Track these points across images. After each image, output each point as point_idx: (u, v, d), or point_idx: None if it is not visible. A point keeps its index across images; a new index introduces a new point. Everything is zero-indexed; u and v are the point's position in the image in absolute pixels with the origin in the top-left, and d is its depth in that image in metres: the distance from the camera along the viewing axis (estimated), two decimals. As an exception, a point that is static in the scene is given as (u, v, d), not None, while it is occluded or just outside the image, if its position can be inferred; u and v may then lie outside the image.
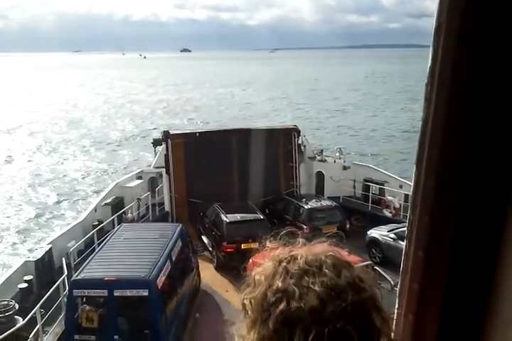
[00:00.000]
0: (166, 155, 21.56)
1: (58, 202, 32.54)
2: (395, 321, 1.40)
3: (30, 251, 15.46)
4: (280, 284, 1.21)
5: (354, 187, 22.65)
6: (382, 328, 1.22)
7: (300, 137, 23.29)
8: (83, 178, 38.03)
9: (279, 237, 1.42)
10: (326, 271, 1.21)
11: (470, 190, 1.21)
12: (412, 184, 1.32)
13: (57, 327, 12.62)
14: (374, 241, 17.79)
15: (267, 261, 1.31)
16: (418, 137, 1.28)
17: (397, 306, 1.41)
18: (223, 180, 21.81)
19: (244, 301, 1.28)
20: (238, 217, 18.33)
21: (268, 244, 1.40)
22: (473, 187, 1.21)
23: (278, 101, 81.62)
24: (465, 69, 1.16)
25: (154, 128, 52.63)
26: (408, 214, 1.34)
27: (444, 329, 1.30)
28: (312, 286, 1.18)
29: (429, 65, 1.22)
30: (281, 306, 1.17)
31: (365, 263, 13.67)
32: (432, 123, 1.23)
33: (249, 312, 1.26)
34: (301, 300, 1.16)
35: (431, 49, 1.21)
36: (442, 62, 1.19)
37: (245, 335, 1.26)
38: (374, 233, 18.01)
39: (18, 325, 11.93)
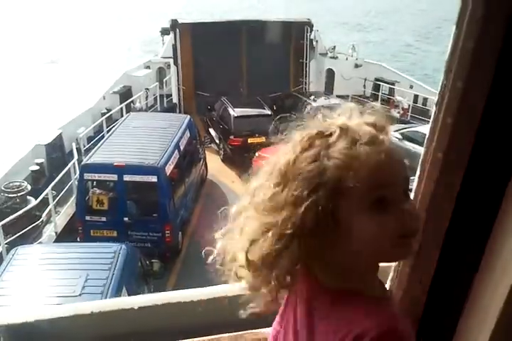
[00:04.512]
0: (174, 46, 20.98)
1: (64, 88, 32.16)
2: None
3: (40, 135, 15.61)
4: None
5: (364, 86, 22.26)
6: None
7: (313, 32, 22.46)
8: (90, 64, 37.30)
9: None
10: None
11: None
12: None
13: (69, 208, 13.13)
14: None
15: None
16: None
17: None
18: (232, 73, 21.42)
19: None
20: (246, 111, 18.32)
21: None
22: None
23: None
24: None
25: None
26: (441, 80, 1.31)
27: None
28: None
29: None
30: None
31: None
32: None
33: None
34: None
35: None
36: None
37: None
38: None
39: (31, 205, 12.45)
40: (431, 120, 1.30)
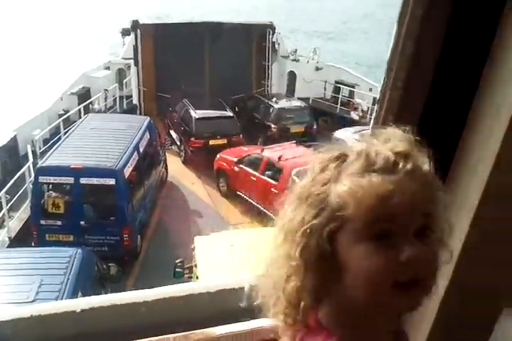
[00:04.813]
0: (135, 46, 20.73)
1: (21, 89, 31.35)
2: None
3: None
4: None
5: (325, 88, 22.48)
6: None
7: (275, 35, 22.55)
8: (47, 66, 36.49)
9: None
10: None
11: None
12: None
13: (23, 213, 12.78)
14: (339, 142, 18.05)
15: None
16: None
17: None
18: (194, 75, 21.30)
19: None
20: (207, 113, 18.24)
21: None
22: None
23: None
24: None
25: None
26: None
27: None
28: None
29: None
30: None
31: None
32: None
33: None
34: None
35: None
36: None
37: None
38: (340, 134, 18.23)
39: (-17, 209, 12.07)
40: (373, 117, 1.29)
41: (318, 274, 0.98)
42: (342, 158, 1.01)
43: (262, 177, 14.70)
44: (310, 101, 21.47)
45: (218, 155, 16.35)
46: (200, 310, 1.75)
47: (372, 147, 1.00)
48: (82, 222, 11.53)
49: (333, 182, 0.98)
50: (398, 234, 0.93)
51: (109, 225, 11.69)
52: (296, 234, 0.99)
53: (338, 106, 21.15)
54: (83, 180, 11.52)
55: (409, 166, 0.95)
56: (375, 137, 1.03)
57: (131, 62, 20.89)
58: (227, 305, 1.68)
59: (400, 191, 0.93)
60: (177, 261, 10.17)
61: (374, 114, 1.33)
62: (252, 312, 1.53)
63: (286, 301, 1.04)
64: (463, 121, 1.22)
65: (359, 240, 0.94)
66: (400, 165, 0.95)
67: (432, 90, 1.19)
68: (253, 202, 14.77)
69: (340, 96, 21.34)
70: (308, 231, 0.97)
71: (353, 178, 0.96)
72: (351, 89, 21.42)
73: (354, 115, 20.53)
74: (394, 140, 1.01)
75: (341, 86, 21.61)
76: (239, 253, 8.70)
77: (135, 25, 20.74)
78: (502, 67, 1.16)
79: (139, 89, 21.03)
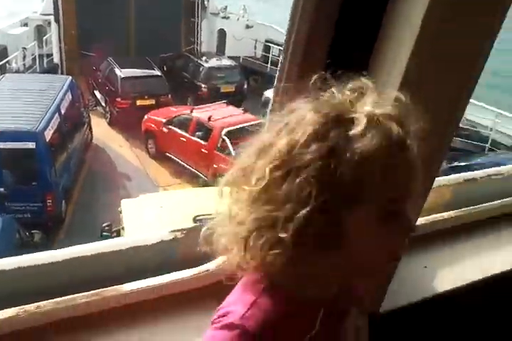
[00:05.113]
0: (55, 1, 19.56)
1: None
2: None
3: None
4: None
5: (255, 47, 22.25)
6: None
7: (204, -10, 21.89)
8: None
9: None
10: None
11: None
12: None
13: None
14: (269, 101, 18.03)
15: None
16: None
17: None
18: (119, 32, 20.46)
19: None
20: (134, 72, 17.68)
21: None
22: None
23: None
24: None
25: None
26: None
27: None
28: None
29: None
30: None
31: (259, 121, 14.03)
32: None
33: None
34: None
35: None
36: None
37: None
38: (270, 93, 18.17)
39: None
40: (278, 68, 1.31)
41: (305, 246, 0.91)
42: (341, 120, 0.90)
43: (192, 137, 14.54)
44: (240, 60, 21.22)
45: (146, 116, 16.00)
46: (118, 266, 1.72)
47: (377, 110, 0.90)
48: (1, 189, 11.12)
49: (342, 155, 0.87)
50: (401, 212, 0.94)
51: (30, 191, 11.31)
52: (290, 204, 0.89)
53: (269, 65, 20.99)
54: (0, 145, 11.01)
55: (410, 141, 0.92)
56: (371, 94, 0.94)
57: (52, 18, 19.74)
58: (148, 260, 1.69)
59: (415, 171, 0.92)
60: (104, 225, 10.14)
61: (279, 65, 1.30)
62: (175, 265, 1.57)
63: (244, 252, 0.96)
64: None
65: (372, 219, 0.91)
66: (408, 142, 0.91)
67: (337, 34, 1.20)
68: (183, 163, 14.65)
69: (270, 55, 21.15)
70: (315, 206, 0.88)
71: (367, 155, 0.87)
72: (281, 48, 21.22)
73: (284, 74, 20.50)
74: (391, 104, 0.94)
75: (271, 45, 21.40)
76: (168, 215, 8.63)
77: None
78: None
79: (60, 47, 19.95)
